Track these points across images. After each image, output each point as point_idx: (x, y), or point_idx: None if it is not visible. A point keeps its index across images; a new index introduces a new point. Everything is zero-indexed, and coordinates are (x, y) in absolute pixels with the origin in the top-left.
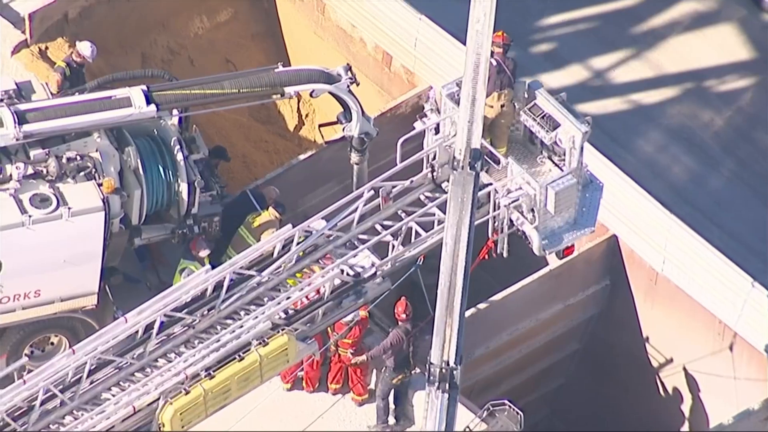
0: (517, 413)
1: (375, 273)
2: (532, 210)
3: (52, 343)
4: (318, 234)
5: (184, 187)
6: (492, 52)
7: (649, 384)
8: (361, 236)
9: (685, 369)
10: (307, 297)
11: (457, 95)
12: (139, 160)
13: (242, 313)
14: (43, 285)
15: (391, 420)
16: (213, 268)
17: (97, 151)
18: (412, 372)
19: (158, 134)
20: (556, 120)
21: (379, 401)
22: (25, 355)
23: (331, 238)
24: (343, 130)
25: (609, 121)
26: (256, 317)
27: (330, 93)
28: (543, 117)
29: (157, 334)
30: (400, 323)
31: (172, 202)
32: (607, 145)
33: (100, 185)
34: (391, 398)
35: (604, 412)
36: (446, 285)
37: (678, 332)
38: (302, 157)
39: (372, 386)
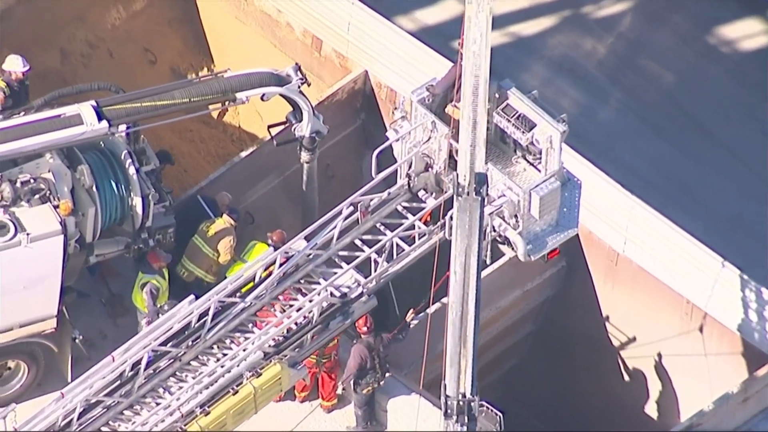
0: (496, 414)
1: (362, 292)
2: (515, 216)
3: (9, 368)
4: (299, 254)
5: (138, 201)
6: (461, 55)
7: (611, 365)
8: (341, 253)
9: (650, 349)
10: (295, 322)
11: (428, 100)
12: (92, 179)
13: (227, 341)
14: (2, 312)
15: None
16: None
17: (49, 171)
18: (381, 383)
19: (107, 147)
20: (531, 120)
21: (356, 410)
22: None
23: (311, 257)
24: (294, 130)
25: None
26: (246, 348)
27: (280, 95)
28: (518, 117)
29: (144, 370)
30: (362, 336)
31: (126, 217)
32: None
33: (56, 207)
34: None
35: (561, 393)
36: (458, 315)
37: (641, 313)
38: (243, 154)
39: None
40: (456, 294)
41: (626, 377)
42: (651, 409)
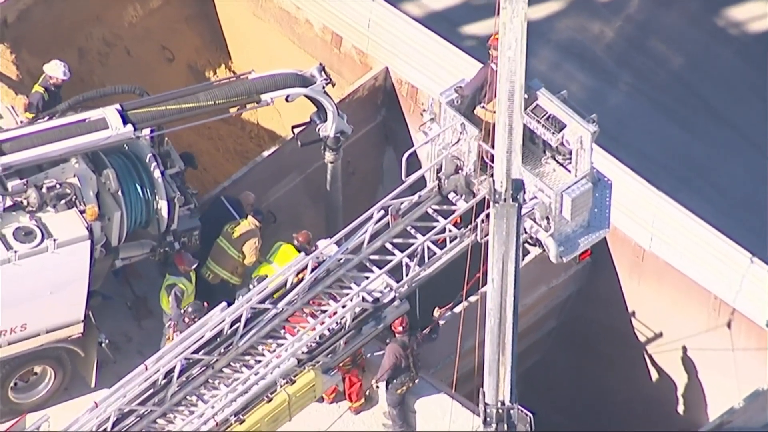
0: (527, 415)
1: (394, 297)
2: (547, 217)
3: (36, 374)
4: (331, 260)
5: (163, 205)
6: (490, 56)
7: (637, 360)
8: (372, 257)
9: (676, 345)
10: (328, 328)
11: (457, 102)
12: (118, 183)
13: (260, 347)
14: (29, 318)
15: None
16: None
17: (75, 176)
18: (415, 381)
19: (131, 150)
20: (561, 121)
21: (391, 410)
22: (10, 388)
23: (341, 261)
24: (318, 130)
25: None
26: (280, 355)
27: (305, 96)
28: (547, 118)
29: (177, 378)
30: (396, 336)
31: (151, 220)
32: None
33: (82, 212)
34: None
35: (586, 389)
36: (496, 322)
37: (668, 309)
38: (266, 153)
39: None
40: (494, 301)
41: (652, 373)
42: (677, 405)
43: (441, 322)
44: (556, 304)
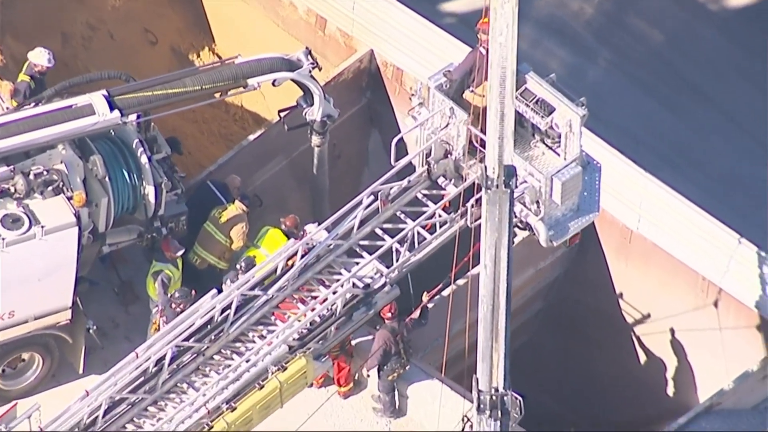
0: (516, 398)
1: (384, 283)
2: (537, 201)
3: (24, 360)
4: (321, 245)
5: (150, 190)
6: (479, 40)
7: (625, 341)
8: (362, 242)
9: (664, 326)
10: (318, 315)
11: (445, 86)
12: (105, 169)
13: (250, 334)
14: (17, 305)
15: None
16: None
17: (62, 162)
18: (406, 367)
19: (118, 136)
20: (550, 104)
21: (383, 396)
22: None
23: (331, 247)
24: (305, 114)
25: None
26: (271, 342)
27: (292, 80)
28: (536, 102)
29: (168, 365)
30: (386, 322)
31: (138, 206)
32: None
33: (69, 199)
34: (396, 394)
35: (573, 370)
36: (489, 309)
37: (655, 290)
38: (252, 137)
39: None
40: (487, 288)
41: (640, 354)
42: (665, 386)
43: (429, 306)
44: (543, 286)
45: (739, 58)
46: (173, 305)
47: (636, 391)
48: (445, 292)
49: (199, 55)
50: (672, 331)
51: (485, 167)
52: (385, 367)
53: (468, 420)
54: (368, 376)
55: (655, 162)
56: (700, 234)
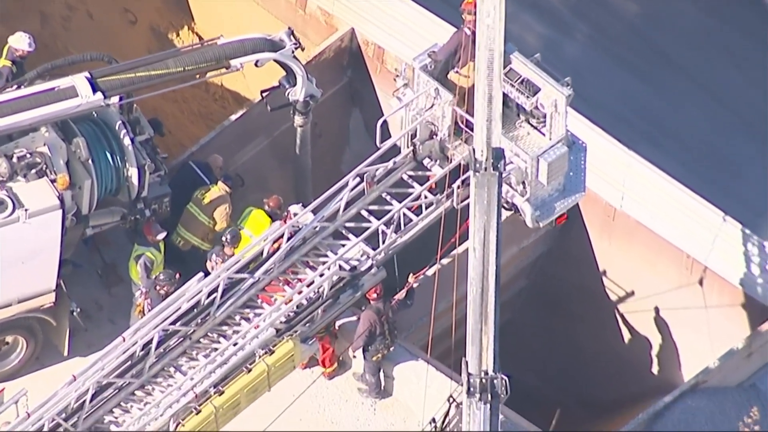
0: (502, 378)
1: (371, 265)
2: (523, 182)
3: (7, 344)
4: (307, 228)
5: (133, 172)
6: (464, 21)
7: (608, 319)
8: (347, 224)
9: (648, 304)
10: (305, 298)
11: (430, 67)
12: (88, 151)
13: (237, 317)
14: (1, 288)
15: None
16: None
17: (44, 145)
18: (391, 348)
19: (100, 118)
20: (535, 84)
21: (369, 377)
22: None
23: (317, 229)
24: (288, 94)
25: None
26: (258, 326)
27: (274, 60)
28: (521, 82)
29: (155, 349)
30: (371, 303)
31: (122, 188)
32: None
33: (53, 181)
34: (382, 375)
35: (557, 348)
36: (478, 292)
37: (639, 267)
38: (233, 117)
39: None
40: (476, 271)
41: (624, 332)
42: (650, 364)
43: (415, 286)
44: (526, 264)
45: (716, 30)
46: (158, 287)
47: (620, 368)
48: (429, 272)
49: (178, 34)
50: (656, 308)
51: (473, 150)
52: (370, 347)
53: (454, 400)
54: (354, 356)
55: (632, 136)
56: (684, 212)
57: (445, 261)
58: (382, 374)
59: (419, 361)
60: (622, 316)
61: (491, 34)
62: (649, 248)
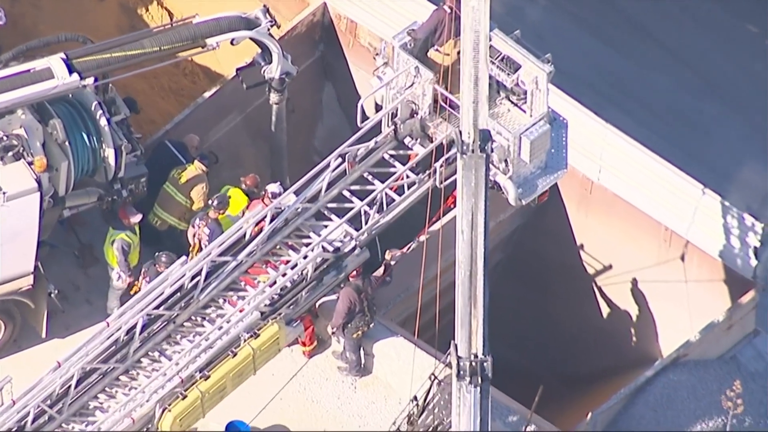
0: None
1: (355, 246)
2: (505, 160)
3: None
4: (289, 209)
5: (110, 153)
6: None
7: (586, 293)
8: (330, 205)
9: (627, 277)
10: (290, 280)
11: (410, 45)
12: (65, 133)
13: (221, 300)
14: None
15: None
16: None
17: (21, 127)
18: (371, 325)
19: (76, 99)
20: (516, 61)
21: (350, 355)
22: None
23: (299, 210)
24: (263, 72)
25: None
26: (242, 309)
27: (250, 38)
28: (502, 59)
29: (139, 334)
30: (350, 280)
31: (98, 169)
32: None
33: (30, 164)
34: (362, 352)
35: (535, 322)
36: (466, 274)
37: (618, 241)
38: (207, 94)
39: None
40: (464, 253)
41: (603, 305)
42: (629, 338)
43: (393, 264)
44: (503, 237)
45: None
46: (158, 267)
47: (599, 342)
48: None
49: (147, 10)
50: (635, 282)
51: (459, 132)
52: (350, 325)
53: (435, 378)
54: (333, 333)
55: (598, 100)
56: (662, 184)
57: (422, 238)
58: (362, 352)
59: (398, 338)
60: (600, 289)
61: (476, 16)
62: (627, 221)
